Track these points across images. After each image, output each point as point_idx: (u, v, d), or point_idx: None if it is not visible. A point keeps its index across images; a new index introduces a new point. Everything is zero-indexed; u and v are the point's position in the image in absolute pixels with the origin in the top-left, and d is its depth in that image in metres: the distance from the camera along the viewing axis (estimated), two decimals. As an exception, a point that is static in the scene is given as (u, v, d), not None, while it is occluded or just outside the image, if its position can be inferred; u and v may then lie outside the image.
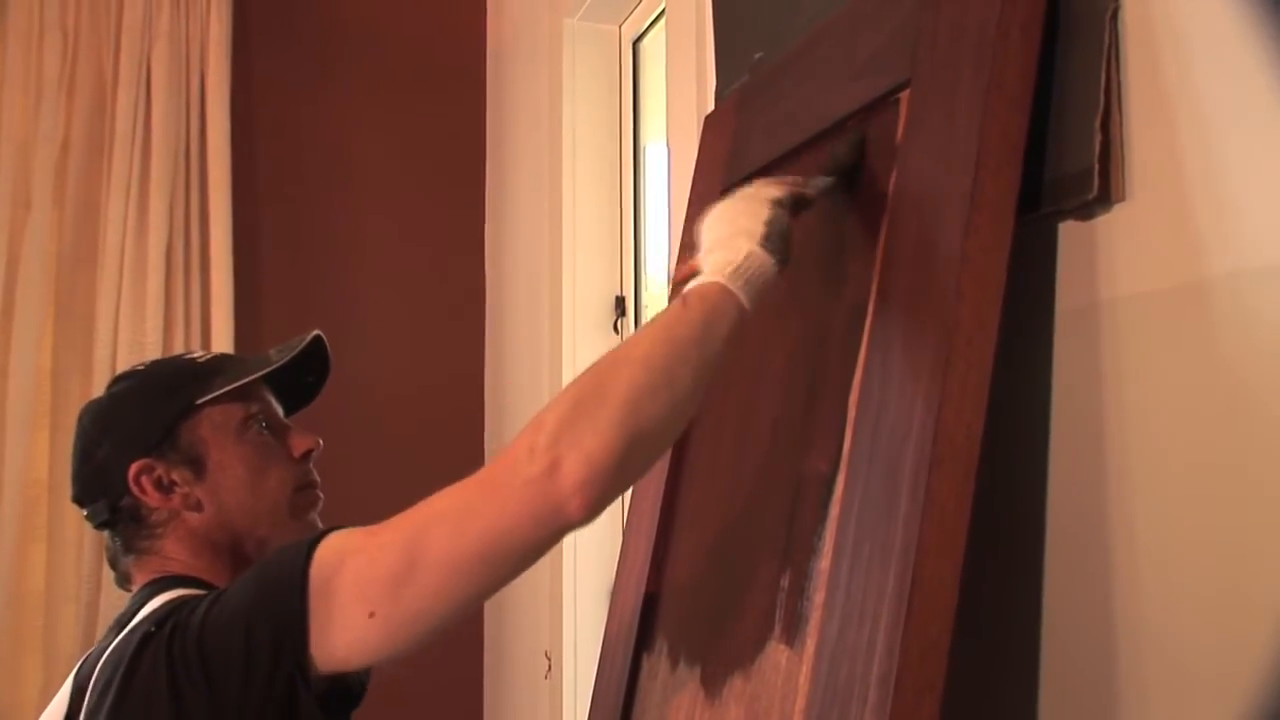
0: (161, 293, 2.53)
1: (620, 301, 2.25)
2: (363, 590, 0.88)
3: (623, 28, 2.33)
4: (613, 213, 2.30)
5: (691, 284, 0.90)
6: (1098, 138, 0.82)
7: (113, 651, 1.01)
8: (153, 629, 0.96)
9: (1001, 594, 0.91)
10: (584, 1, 2.25)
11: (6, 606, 2.42)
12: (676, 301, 0.89)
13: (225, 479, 1.12)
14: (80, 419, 1.17)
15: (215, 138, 2.60)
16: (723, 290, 0.87)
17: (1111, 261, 0.84)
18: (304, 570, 0.90)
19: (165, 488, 1.11)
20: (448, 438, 2.80)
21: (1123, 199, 0.82)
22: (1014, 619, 0.89)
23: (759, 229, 0.89)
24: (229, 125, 2.61)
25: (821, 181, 0.99)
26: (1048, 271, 0.88)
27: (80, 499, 1.15)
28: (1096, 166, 0.82)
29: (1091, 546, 0.83)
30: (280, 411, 1.20)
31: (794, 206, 0.94)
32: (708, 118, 1.39)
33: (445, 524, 0.87)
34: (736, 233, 0.90)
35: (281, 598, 0.90)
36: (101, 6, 2.60)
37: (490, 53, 2.91)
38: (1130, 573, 0.81)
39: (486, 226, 2.88)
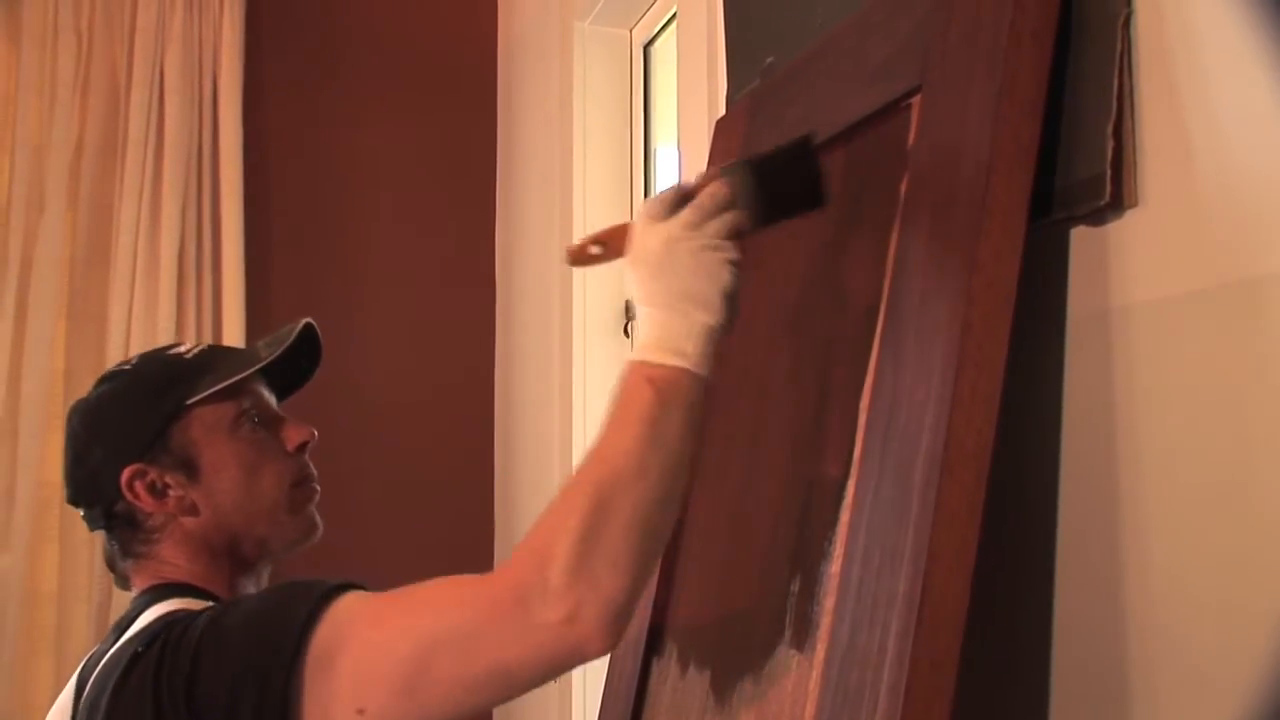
0: (174, 294, 2.54)
1: (631, 306, 2.25)
2: (357, 685, 0.85)
3: (633, 32, 2.33)
4: (623, 216, 2.29)
5: (650, 356, 0.84)
6: (1110, 143, 0.82)
7: (106, 664, 0.99)
8: (140, 649, 0.94)
9: (1012, 600, 0.90)
10: (595, 5, 2.25)
11: (19, 606, 2.44)
12: (650, 392, 0.83)
13: (219, 480, 1.10)
14: (70, 420, 1.15)
15: (227, 140, 2.61)
16: (694, 379, 0.84)
17: (1123, 267, 0.83)
18: (302, 641, 0.87)
19: (159, 492, 1.09)
20: (457, 441, 2.80)
21: (1135, 205, 0.82)
22: (1025, 625, 0.89)
23: (715, 299, 0.84)
24: (241, 128, 2.62)
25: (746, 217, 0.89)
26: (1059, 277, 0.88)
27: (75, 501, 1.14)
28: (1109, 172, 0.82)
29: (1103, 552, 0.83)
30: (273, 402, 1.18)
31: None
32: (719, 121, 1.39)
33: (452, 648, 0.84)
34: (691, 296, 0.84)
35: (272, 665, 0.87)
36: (115, 9, 2.61)
37: (501, 56, 2.92)
38: (1142, 580, 0.80)
39: (497, 229, 2.88)
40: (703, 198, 0.87)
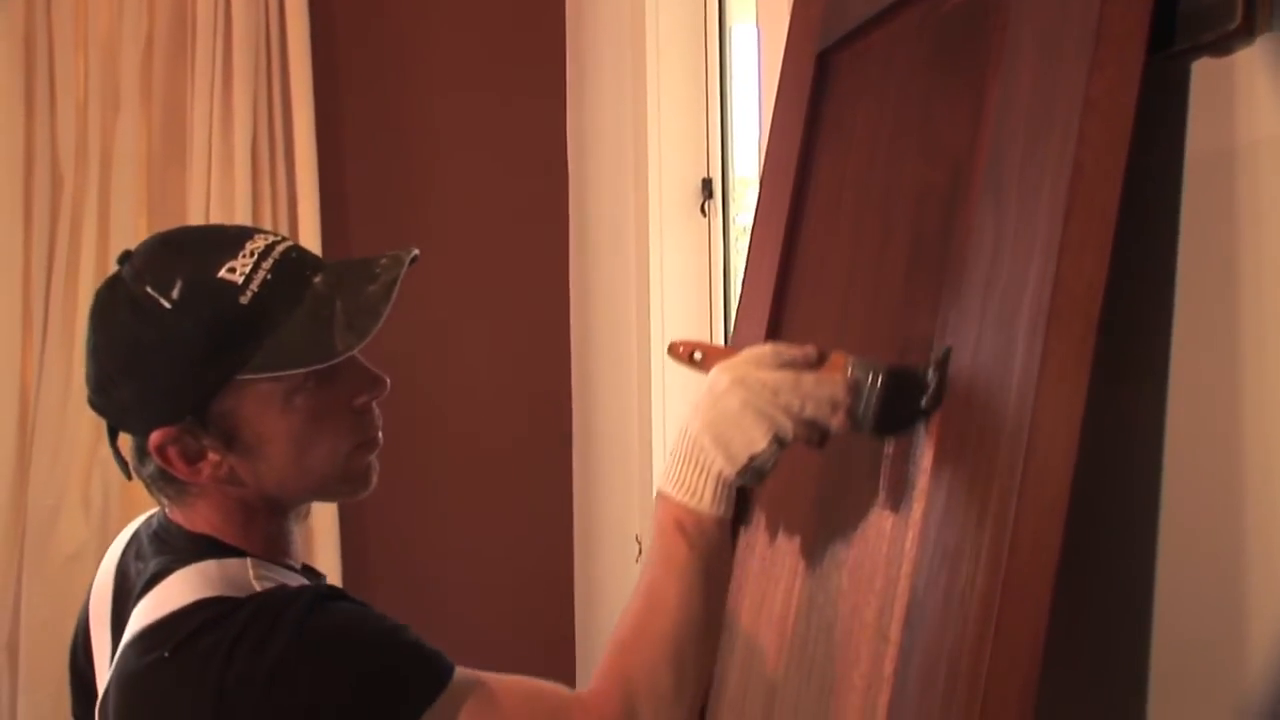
0: (249, 188, 2.56)
1: (707, 184, 2.21)
2: None
3: (707, -100, 2.23)
4: (698, 95, 2.23)
5: (673, 493, 0.90)
6: (1241, -40, 0.75)
7: (124, 653, 0.94)
8: (165, 655, 0.89)
9: (1120, 471, 0.86)
10: (667, -127, 2.15)
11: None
12: (684, 544, 0.90)
13: (265, 453, 0.98)
14: (92, 323, 0.98)
15: (294, 28, 2.58)
16: (716, 521, 0.90)
17: (1252, 101, 0.77)
18: None
19: (192, 457, 0.97)
20: (532, 378, 2.80)
21: (1268, 30, 0.75)
22: (1132, 496, 0.85)
23: (740, 456, 0.86)
24: (308, 15, 2.60)
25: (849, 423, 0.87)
26: (1178, 114, 0.82)
27: (100, 414, 1.02)
28: (1240, -7, 0.75)
29: (1220, 438, 0.78)
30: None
31: (806, 440, 0.88)
32: (799, -11, 1.32)
33: None
34: (721, 442, 0.87)
35: None
36: (180, -100, 2.58)
37: (569, -67, 2.83)
38: (1268, 476, 0.75)
39: (569, 111, 2.83)
40: (809, 379, 0.86)
